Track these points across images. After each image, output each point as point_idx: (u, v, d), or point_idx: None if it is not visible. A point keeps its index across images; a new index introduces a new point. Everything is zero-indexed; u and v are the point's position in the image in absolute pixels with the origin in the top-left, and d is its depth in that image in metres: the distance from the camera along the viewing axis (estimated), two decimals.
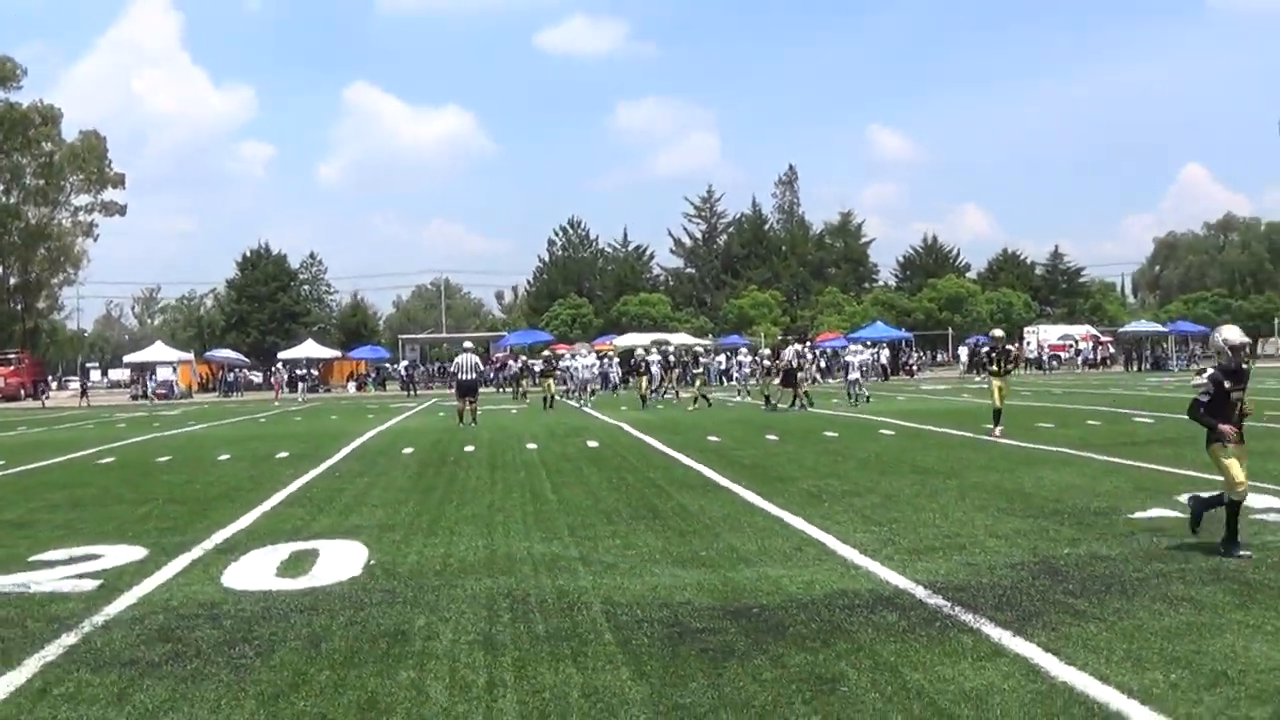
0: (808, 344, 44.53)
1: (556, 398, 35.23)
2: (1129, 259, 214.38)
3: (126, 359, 70.74)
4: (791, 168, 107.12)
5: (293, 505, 12.40)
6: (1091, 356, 65.51)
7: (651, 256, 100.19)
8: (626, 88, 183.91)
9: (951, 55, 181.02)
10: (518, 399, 39.76)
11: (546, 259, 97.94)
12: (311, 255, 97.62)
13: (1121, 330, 74.24)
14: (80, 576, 8.47)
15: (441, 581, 8.04)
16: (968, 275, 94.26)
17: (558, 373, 37.93)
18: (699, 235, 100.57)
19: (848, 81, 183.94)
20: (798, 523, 10.19)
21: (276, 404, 48.99)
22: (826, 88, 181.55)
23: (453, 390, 30.08)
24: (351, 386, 66.16)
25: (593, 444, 19.96)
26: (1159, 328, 72.49)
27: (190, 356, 69.58)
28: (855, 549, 8.85)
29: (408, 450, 19.69)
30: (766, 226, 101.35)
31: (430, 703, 5.30)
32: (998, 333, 20.91)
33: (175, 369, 64.49)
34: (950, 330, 72.80)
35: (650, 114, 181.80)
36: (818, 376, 50.38)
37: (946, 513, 10.63)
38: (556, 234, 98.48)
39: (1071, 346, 67.98)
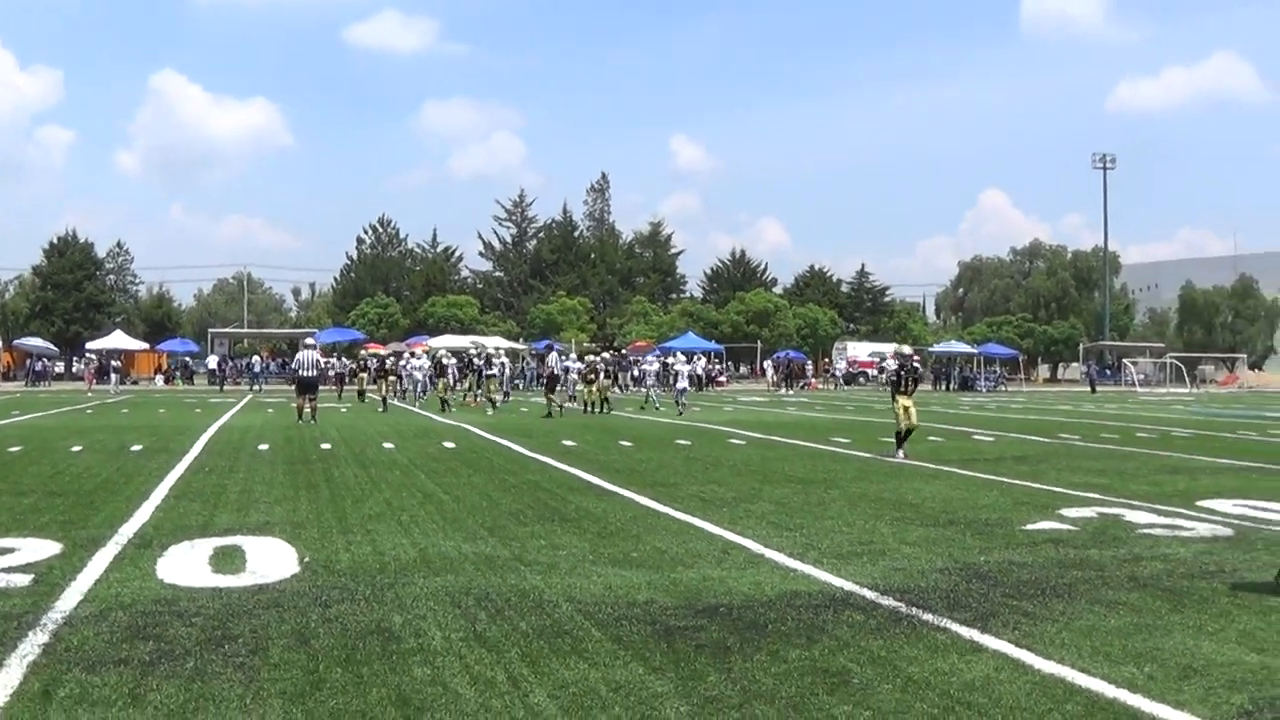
0: (612, 354, 45.45)
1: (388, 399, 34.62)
2: (927, 280, 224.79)
3: None
4: (604, 175, 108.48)
5: (181, 499, 12.08)
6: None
7: (460, 258, 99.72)
8: (434, 87, 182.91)
9: (757, 71, 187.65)
10: (361, 399, 38.58)
11: (355, 256, 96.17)
12: (119, 244, 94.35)
13: (932, 350, 77.43)
14: (7, 571, 8.14)
15: (390, 579, 8.05)
16: (774, 290, 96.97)
17: (399, 373, 37.47)
18: (509, 239, 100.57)
19: (653, 92, 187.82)
20: (710, 527, 10.52)
21: (90, 395, 47.14)
22: (632, 97, 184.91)
23: (292, 386, 29.74)
24: (159, 379, 63.90)
25: (449, 445, 19.93)
26: (968, 348, 75.85)
27: None
28: (781, 553, 9.23)
29: (263, 446, 19.27)
30: (576, 233, 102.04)
31: (463, 699, 5.38)
32: (906, 349, 20.07)
33: None
34: (759, 344, 74.79)
35: (457, 114, 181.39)
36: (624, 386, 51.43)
37: (847, 520, 11.14)
38: (366, 232, 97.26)
39: (879, 364, 70.72)
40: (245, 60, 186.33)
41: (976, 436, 23.40)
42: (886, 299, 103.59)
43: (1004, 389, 68.22)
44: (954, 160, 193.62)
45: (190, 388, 58.68)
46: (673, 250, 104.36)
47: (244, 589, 7.66)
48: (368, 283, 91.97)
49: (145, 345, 73.74)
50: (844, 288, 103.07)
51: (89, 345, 69.49)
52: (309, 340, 28.37)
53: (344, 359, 59.83)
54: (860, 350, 73.78)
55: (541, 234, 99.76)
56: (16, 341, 71.34)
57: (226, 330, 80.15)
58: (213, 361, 62.48)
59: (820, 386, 66.30)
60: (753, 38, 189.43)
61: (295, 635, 6.48)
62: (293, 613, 7.00)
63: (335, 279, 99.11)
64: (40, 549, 9.04)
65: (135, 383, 63.09)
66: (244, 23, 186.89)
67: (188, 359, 69.86)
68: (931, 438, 22.76)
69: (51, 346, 72.46)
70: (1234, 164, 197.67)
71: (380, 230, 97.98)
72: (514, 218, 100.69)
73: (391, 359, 38.41)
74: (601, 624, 6.83)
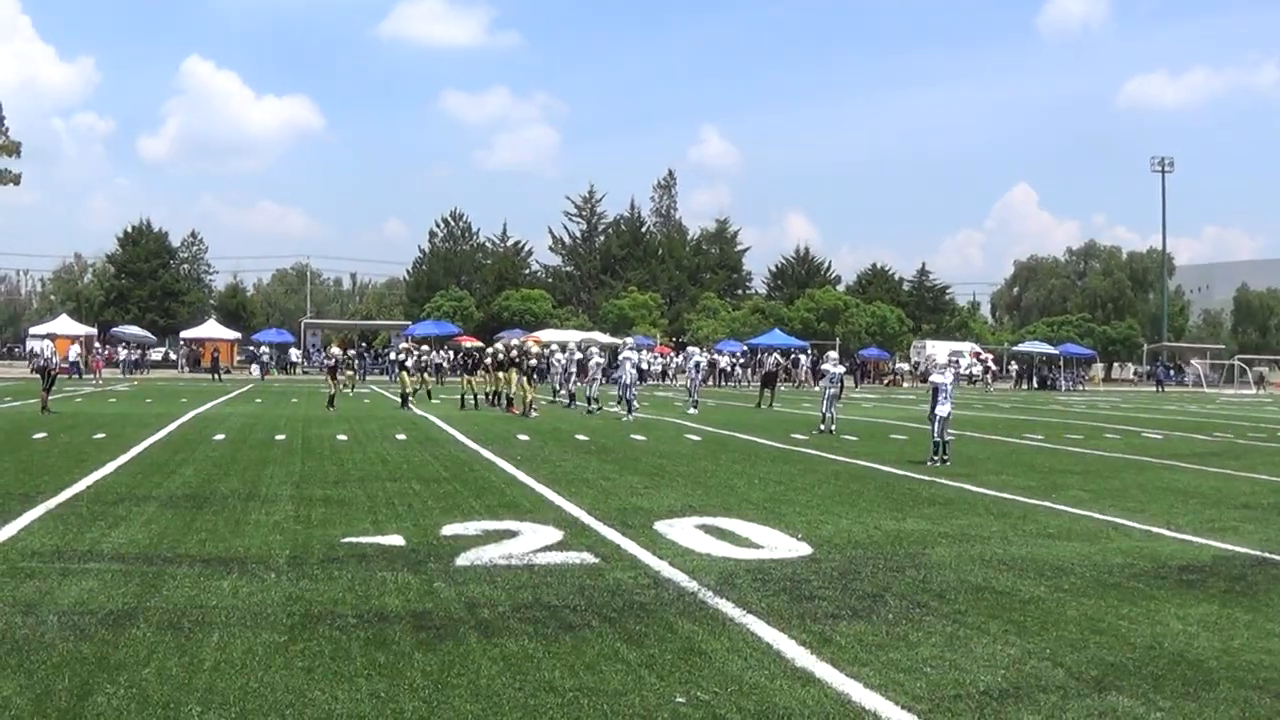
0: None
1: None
2: (955, 277, 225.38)
3: (32, 331, 68.40)
4: (670, 173, 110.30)
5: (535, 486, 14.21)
6: (978, 374, 69.74)
7: (530, 253, 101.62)
8: (470, 79, 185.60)
9: (783, 69, 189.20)
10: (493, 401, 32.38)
11: (427, 249, 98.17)
12: (193, 234, 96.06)
13: (1015, 349, 78.72)
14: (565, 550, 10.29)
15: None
16: (838, 288, 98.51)
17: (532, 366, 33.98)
18: (579, 234, 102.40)
19: (681, 84, 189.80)
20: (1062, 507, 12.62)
21: (220, 383, 48.86)
22: (664, 86, 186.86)
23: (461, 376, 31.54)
24: (255, 369, 65.54)
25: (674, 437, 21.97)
26: (1049, 348, 77.10)
27: (94, 331, 68.18)
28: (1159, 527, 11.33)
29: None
30: (644, 229, 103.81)
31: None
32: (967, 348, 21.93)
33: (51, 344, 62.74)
34: (838, 340, 76.19)
35: (497, 104, 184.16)
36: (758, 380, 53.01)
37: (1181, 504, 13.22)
38: (438, 225, 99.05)
39: (956, 363, 72.28)
40: (285, 55, 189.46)
41: (1146, 435, 25.32)
42: (947, 297, 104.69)
43: (1082, 388, 69.72)
44: (980, 158, 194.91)
45: (294, 378, 59.58)
46: (739, 247, 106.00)
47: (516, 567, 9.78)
48: (440, 275, 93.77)
49: (237, 335, 74.79)
50: (905, 285, 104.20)
51: (183, 334, 71.67)
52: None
53: (448, 351, 61.30)
54: (939, 349, 75.35)
55: (610, 230, 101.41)
56: (114, 330, 71.99)
57: (322, 321, 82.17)
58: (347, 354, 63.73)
59: (903, 385, 67.91)
60: (777, 38, 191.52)
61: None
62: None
63: (408, 271, 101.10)
64: (541, 534, 11.22)
65: (228, 371, 63.47)
66: (268, 20, 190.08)
67: (292, 349, 71.25)
68: (1109, 434, 24.79)
69: (149, 335, 73.28)
70: (1259, 162, 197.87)
71: (453, 223, 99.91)
72: (584, 213, 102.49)
73: (515, 351, 34.62)
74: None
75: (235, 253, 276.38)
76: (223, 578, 8.02)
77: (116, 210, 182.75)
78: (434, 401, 33.05)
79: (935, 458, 17.01)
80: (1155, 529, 11.16)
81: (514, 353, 30.03)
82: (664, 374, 61.09)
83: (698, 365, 33.82)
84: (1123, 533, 10.88)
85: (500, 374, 31.27)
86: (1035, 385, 68.89)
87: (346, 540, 9.66)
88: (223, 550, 9.07)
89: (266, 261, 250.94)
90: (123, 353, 64.14)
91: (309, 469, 15.27)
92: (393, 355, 35.50)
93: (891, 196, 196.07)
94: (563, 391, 35.46)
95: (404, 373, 32.63)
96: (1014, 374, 72.61)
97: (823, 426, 23.79)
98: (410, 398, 30.88)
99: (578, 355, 35.76)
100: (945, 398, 17.30)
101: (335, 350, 34.69)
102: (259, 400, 34.57)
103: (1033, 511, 12.19)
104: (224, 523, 10.43)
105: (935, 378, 17.70)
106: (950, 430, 17.73)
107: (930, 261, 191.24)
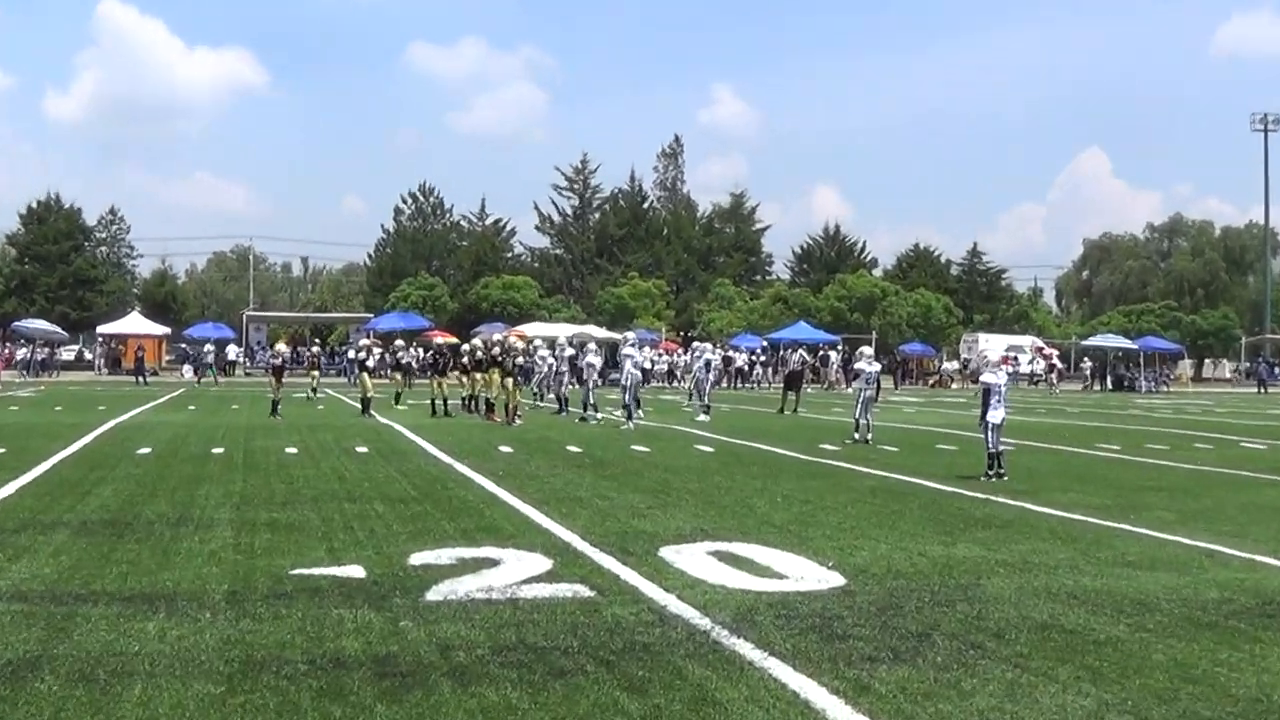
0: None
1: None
2: (1013, 258, 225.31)
3: None
4: (677, 139, 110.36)
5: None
6: (1041, 373, 69.70)
7: (513, 233, 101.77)
8: (441, 28, 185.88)
9: (807, 20, 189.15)
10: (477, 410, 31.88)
11: (393, 229, 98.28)
12: (112, 211, 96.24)
13: (1085, 343, 78.58)
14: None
15: None
16: (874, 272, 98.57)
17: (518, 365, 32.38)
18: (569, 211, 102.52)
19: (689, 34, 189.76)
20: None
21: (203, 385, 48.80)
22: (669, 37, 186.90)
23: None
24: (187, 371, 65.60)
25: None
26: (1126, 343, 76.75)
27: None
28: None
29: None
30: (647, 205, 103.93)
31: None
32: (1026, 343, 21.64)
33: None
34: (874, 334, 75.88)
35: (462, 54, 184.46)
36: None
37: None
38: (405, 200, 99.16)
39: (1014, 360, 72.19)
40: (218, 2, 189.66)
41: (1246, 445, 25.29)
42: (1004, 282, 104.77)
43: (1166, 389, 69.67)
44: (1042, 118, 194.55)
45: (232, 381, 59.35)
46: (757, 226, 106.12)
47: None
48: (407, 259, 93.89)
49: (166, 330, 74.45)
50: (953, 270, 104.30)
51: (100, 329, 71.21)
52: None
53: (416, 348, 61.26)
54: (994, 344, 75.16)
55: (607, 206, 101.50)
56: (15, 324, 71.34)
57: (268, 314, 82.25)
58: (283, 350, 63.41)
59: (951, 385, 67.93)
60: None
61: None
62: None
63: (369, 255, 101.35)
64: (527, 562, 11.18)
65: (155, 374, 63.22)
66: None
67: (231, 347, 71.06)
68: (1200, 444, 24.78)
69: (59, 330, 72.32)
70: None
71: (422, 199, 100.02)
72: (575, 187, 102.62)
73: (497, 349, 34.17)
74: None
75: (163, 234, 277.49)
76: (147, 619, 7.96)
77: (18, 182, 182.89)
78: (400, 408, 32.99)
79: (990, 472, 16.97)
80: (1259, 557, 11.07)
81: (495, 350, 29.98)
82: (670, 374, 61.06)
83: (708, 364, 33.79)
84: (1219, 561, 10.82)
85: (479, 375, 31.20)
86: (1110, 386, 69.06)
87: (296, 572, 9.62)
88: (147, 586, 9.01)
89: (201, 244, 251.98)
90: (21, 352, 63.91)
91: (252, 488, 15.19)
92: (351, 353, 35.06)
93: (937, 165, 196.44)
94: (550, 395, 35.40)
95: (364, 374, 32.63)
96: (1084, 373, 72.53)
97: (857, 435, 23.78)
98: (371, 404, 30.85)
99: (569, 352, 35.57)
100: (999, 401, 17.26)
101: (282, 348, 34.74)
102: (192, 407, 34.58)
103: (1108, 535, 12.14)
104: (149, 553, 10.37)
105: (987, 377, 17.68)
106: (1005, 440, 17.67)
107: (983, 241, 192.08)
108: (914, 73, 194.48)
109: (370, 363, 34.51)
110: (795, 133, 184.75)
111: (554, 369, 35.24)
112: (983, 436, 17.46)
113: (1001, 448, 17.35)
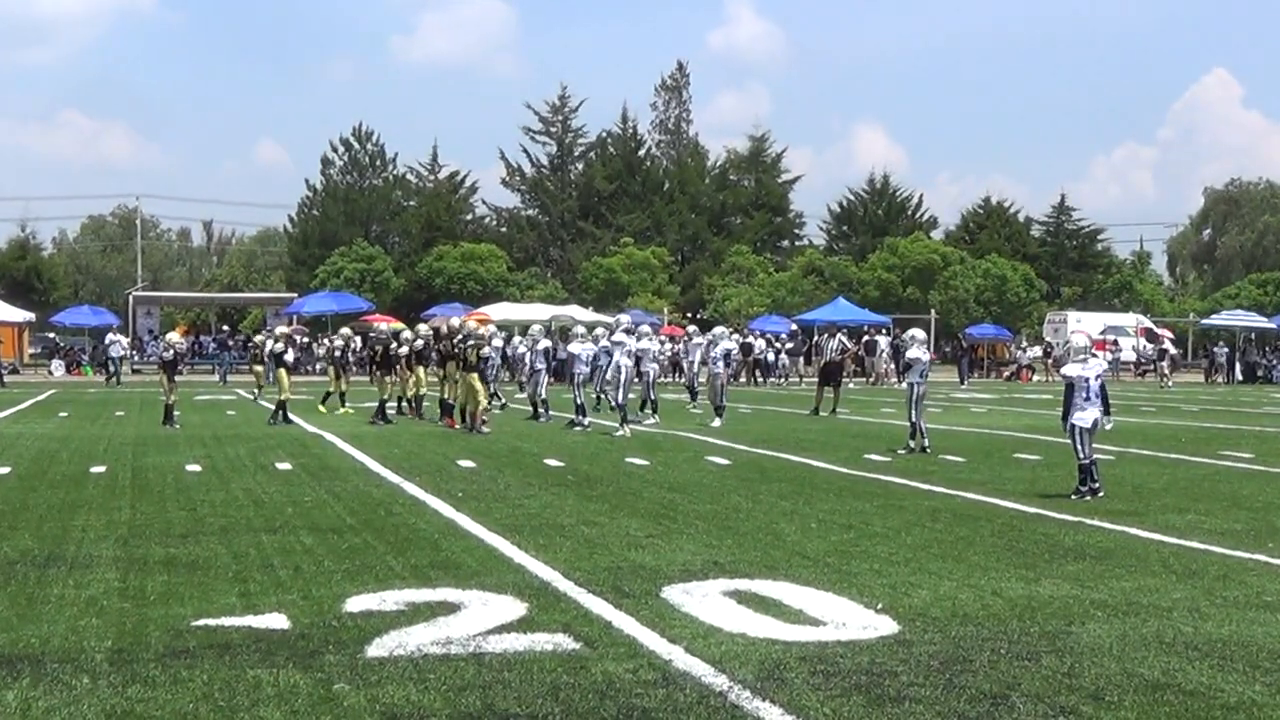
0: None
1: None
2: (1112, 215, 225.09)
3: None
4: (681, 66, 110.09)
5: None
6: (1150, 360, 69.59)
7: (475, 189, 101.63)
8: None
9: None
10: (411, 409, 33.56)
11: (320, 185, 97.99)
12: None
13: (1207, 322, 78.22)
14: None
15: None
16: (934, 235, 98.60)
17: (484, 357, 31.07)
18: (545, 161, 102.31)
19: None
20: None
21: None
22: None
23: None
24: (57, 367, 65.65)
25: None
26: (1261, 320, 75.80)
27: None
28: None
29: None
30: (644, 152, 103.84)
31: None
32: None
33: None
34: (934, 314, 75.54)
35: None
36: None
37: None
38: (336, 149, 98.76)
39: (1115, 344, 72.23)
40: None
41: None
42: (1101, 245, 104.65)
43: None
44: (1151, 33, 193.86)
45: (128, 381, 59.49)
46: (784, 177, 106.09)
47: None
48: (340, 224, 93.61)
49: (29, 316, 73.81)
50: (1035, 231, 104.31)
51: None
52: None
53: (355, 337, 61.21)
54: (1089, 325, 75.13)
55: (593, 154, 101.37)
56: None
57: (159, 295, 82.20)
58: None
59: (1033, 378, 67.98)
60: None
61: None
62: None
63: (291, 219, 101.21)
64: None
65: (14, 371, 63.09)
66: None
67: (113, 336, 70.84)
68: None
69: None
70: None
71: (358, 146, 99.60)
72: (553, 130, 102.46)
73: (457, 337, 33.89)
74: None
75: (23, 192, 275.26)
76: (7, 686, 7.95)
77: None
78: (324, 410, 33.12)
79: (1083, 488, 16.97)
80: None
81: (457, 339, 29.97)
82: (674, 367, 60.91)
83: (727, 355, 33.76)
84: None
85: (421, 370, 32.32)
86: (1240, 377, 68.79)
87: (200, 623, 9.60)
88: (7, 644, 8.99)
89: (74, 205, 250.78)
90: None
91: (143, 517, 15.12)
92: (269, 344, 34.92)
93: (1012, 98, 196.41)
94: (520, 394, 35.47)
95: (282, 370, 32.57)
96: (1206, 360, 72.48)
97: (913, 443, 23.76)
98: (286, 406, 30.83)
99: (543, 343, 35.42)
100: (1089, 397, 17.20)
101: (174, 337, 34.60)
102: (64, 414, 34.54)
103: (1239, 569, 12.12)
104: (8, 602, 10.36)
105: (1071, 369, 17.56)
106: (1100, 447, 17.59)
107: (1073, 194, 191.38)
108: None
109: (289, 356, 34.37)
110: (831, 57, 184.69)
111: (530, 363, 35.06)
112: (1070, 444, 17.43)
113: (1095, 457, 17.32)
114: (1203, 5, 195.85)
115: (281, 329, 41.57)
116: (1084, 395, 17.12)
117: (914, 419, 24.08)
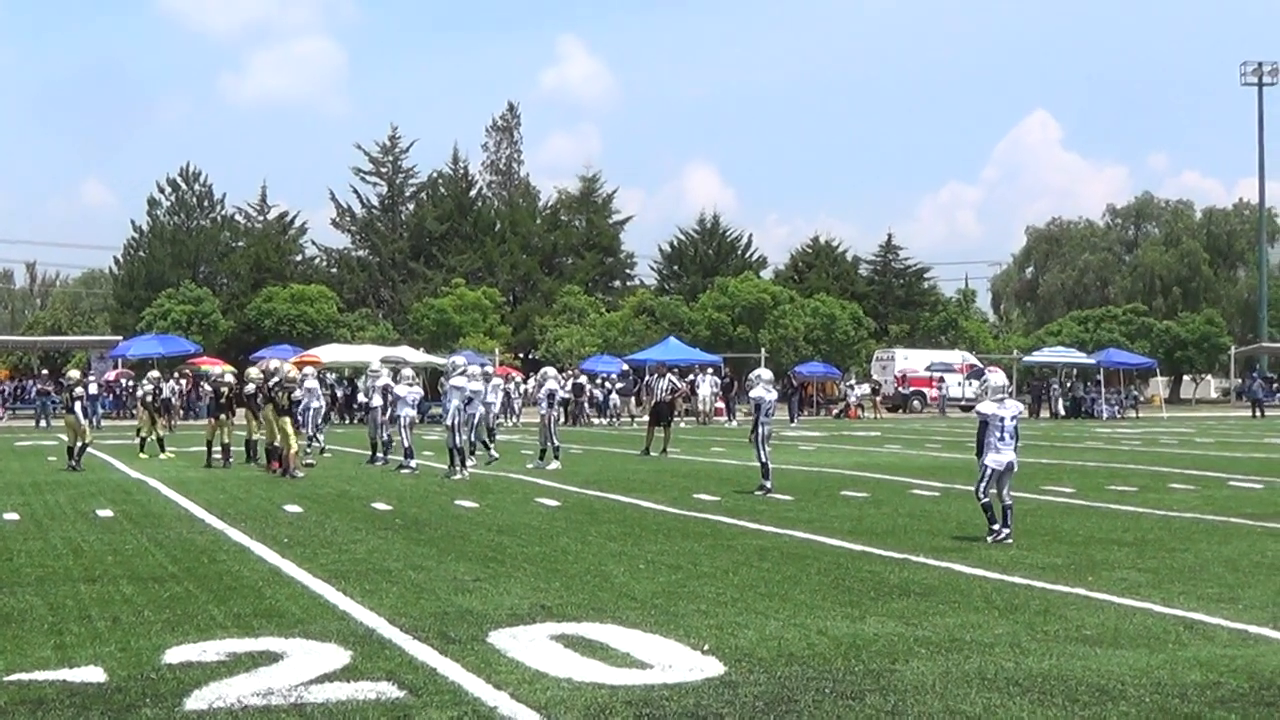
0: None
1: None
2: (937, 253, 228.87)
3: None
4: (511, 107, 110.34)
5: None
6: (974, 396, 70.75)
7: (304, 230, 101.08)
8: None
9: None
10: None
11: (146, 226, 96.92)
12: None
13: (1030, 359, 79.51)
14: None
15: None
16: (763, 275, 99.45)
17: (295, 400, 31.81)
18: (376, 201, 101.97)
19: None
20: None
21: None
22: None
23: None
24: None
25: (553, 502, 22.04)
26: (1083, 357, 76.85)
27: None
28: None
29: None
30: (474, 192, 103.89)
31: None
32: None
33: None
34: (763, 352, 76.04)
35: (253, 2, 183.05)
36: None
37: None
38: (163, 189, 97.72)
39: (940, 380, 73.47)
40: None
41: (1235, 484, 25.63)
42: (927, 284, 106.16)
43: (1134, 414, 70.55)
44: (976, 77, 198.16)
45: None
46: (615, 217, 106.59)
47: None
48: (167, 265, 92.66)
49: None
50: (862, 270, 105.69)
51: None
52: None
53: (179, 380, 60.60)
54: (916, 361, 76.30)
55: (424, 194, 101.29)
56: None
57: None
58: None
59: (862, 415, 68.73)
60: None
61: None
62: None
63: (117, 260, 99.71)
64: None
65: None
66: None
67: None
68: (1177, 484, 25.30)
69: None
70: None
71: (185, 187, 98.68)
72: (383, 170, 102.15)
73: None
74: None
75: None
76: None
77: None
78: (145, 456, 32.68)
79: (996, 529, 16.87)
80: (1252, 628, 11.27)
81: (270, 383, 29.72)
82: (507, 408, 60.63)
83: (551, 395, 33.66)
84: (1202, 634, 10.98)
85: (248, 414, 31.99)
86: (1062, 412, 70.00)
87: (13, 678, 9.39)
88: None
89: None
90: None
91: None
92: (81, 389, 34.12)
93: (841, 138, 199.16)
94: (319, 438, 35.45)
95: (70, 415, 32.19)
96: (1028, 395, 73.86)
97: (767, 483, 23.73)
98: (84, 450, 30.42)
99: (382, 380, 35.12)
100: (1004, 437, 17.02)
101: None
102: None
103: (1059, 603, 12.32)
104: None
105: (986, 406, 17.44)
106: (1010, 491, 17.28)
107: (900, 233, 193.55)
108: (812, 22, 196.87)
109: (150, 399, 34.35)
110: (662, 97, 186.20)
111: (367, 405, 34.88)
112: (977, 484, 17.12)
113: (1008, 501, 17.01)
114: (1024, 48, 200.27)
115: (154, 373, 40.93)
116: (998, 435, 17.00)
117: (763, 459, 24.13)
